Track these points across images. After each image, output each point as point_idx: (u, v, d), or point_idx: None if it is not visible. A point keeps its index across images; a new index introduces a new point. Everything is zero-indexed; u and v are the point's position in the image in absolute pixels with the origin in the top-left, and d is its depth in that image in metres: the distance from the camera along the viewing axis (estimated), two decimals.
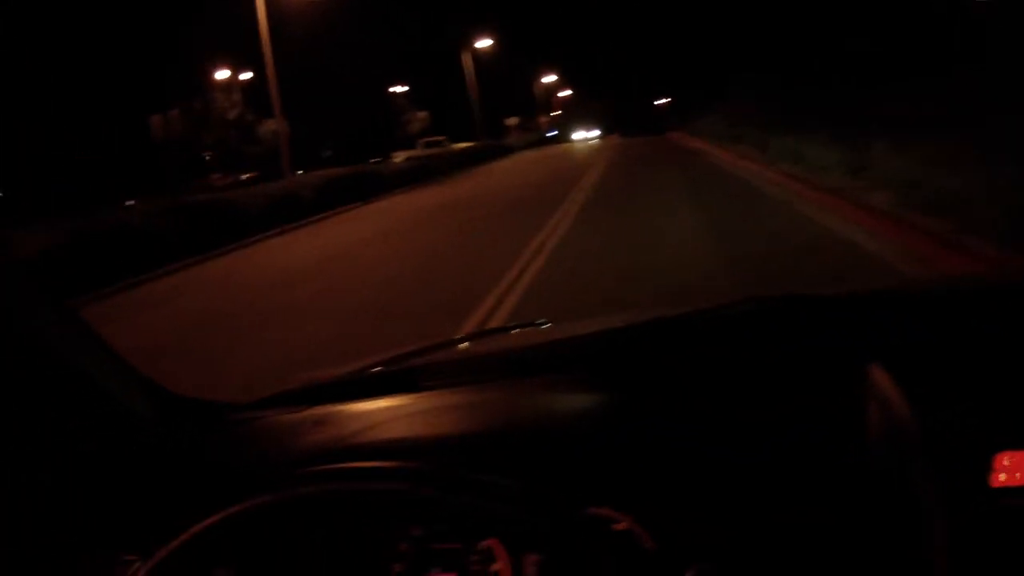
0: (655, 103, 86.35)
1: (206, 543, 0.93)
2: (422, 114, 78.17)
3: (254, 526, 0.95)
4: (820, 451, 1.00)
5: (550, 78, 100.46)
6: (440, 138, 55.49)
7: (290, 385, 1.51)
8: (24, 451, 1.13)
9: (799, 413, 1.07)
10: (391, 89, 78.13)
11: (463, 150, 48.99)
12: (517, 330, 2.04)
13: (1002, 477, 0.87)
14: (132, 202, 28.38)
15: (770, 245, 8.65)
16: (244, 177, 46.33)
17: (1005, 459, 0.88)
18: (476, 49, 66.93)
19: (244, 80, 53.56)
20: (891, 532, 0.89)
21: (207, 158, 51.54)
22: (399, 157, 49.75)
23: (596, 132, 78.89)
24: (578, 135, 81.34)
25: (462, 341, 1.99)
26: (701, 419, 1.12)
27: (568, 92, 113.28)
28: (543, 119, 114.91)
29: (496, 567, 1.01)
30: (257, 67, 52.66)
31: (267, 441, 1.33)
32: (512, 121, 68.63)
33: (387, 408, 1.32)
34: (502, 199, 20.41)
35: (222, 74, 51.05)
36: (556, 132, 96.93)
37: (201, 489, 1.12)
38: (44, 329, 1.12)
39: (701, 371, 1.23)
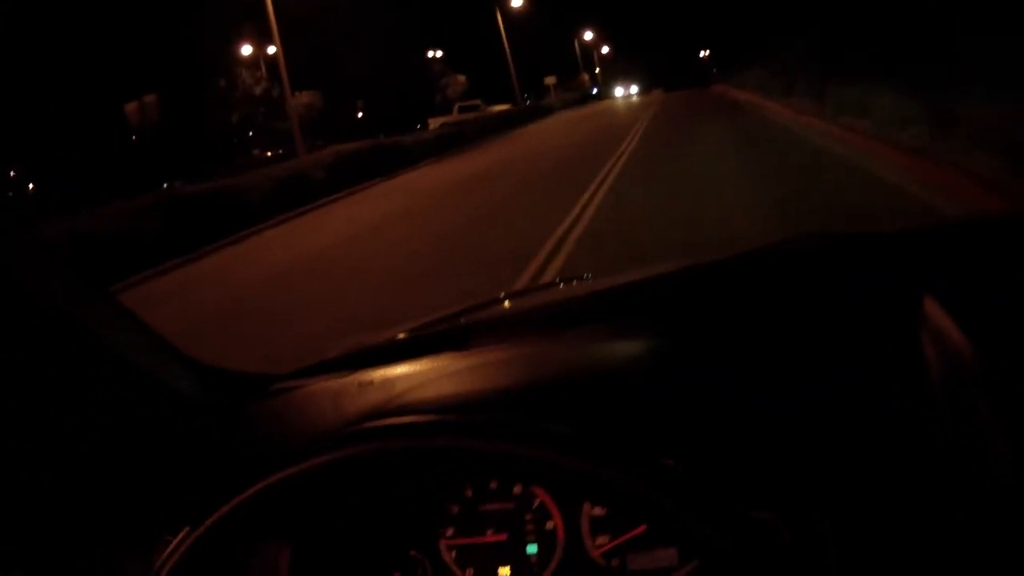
0: (699, 55, 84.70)
1: (250, 515, 0.92)
2: (460, 77, 76.89)
3: (300, 493, 0.93)
4: (875, 390, 0.96)
5: (589, 35, 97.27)
6: (475, 102, 53.64)
7: (332, 352, 1.48)
8: (66, 433, 1.10)
9: (851, 352, 1.02)
10: (428, 54, 77.20)
11: (500, 113, 47.33)
12: (562, 284, 2.09)
13: None
14: (165, 185, 27.26)
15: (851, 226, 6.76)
16: (269, 154, 44.98)
17: None
18: (511, 8, 64.85)
19: (271, 55, 52.34)
20: (952, 468, 0.85)
21: (250, 135, 50.99)
22: (435, 123, 48.65)
23: (635, 88, 77.23)
24: (620, 91, 79.41)
25: (506, 299, 1.94)
26: (751, 363, 1.06)
27: (607, 49, 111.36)
28: (584, 77, 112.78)
29: (550, 524, 1.05)
30: (282, 40, 51.61)
31: (311, 407, 1.29)
32: (550, 80, 65.81)
33: (433, 367, 1.27)
34: (535, 166, 18.89)
35: (247, 50, 49.69)
36: (598, 90, 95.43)
37: (245, 462, 1.09)
38: (78, 310, 1.08)
39: (748, 313, 1.17)
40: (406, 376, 1.27)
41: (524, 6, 67.45)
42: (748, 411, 0.99)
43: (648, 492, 0.82)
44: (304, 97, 54.84)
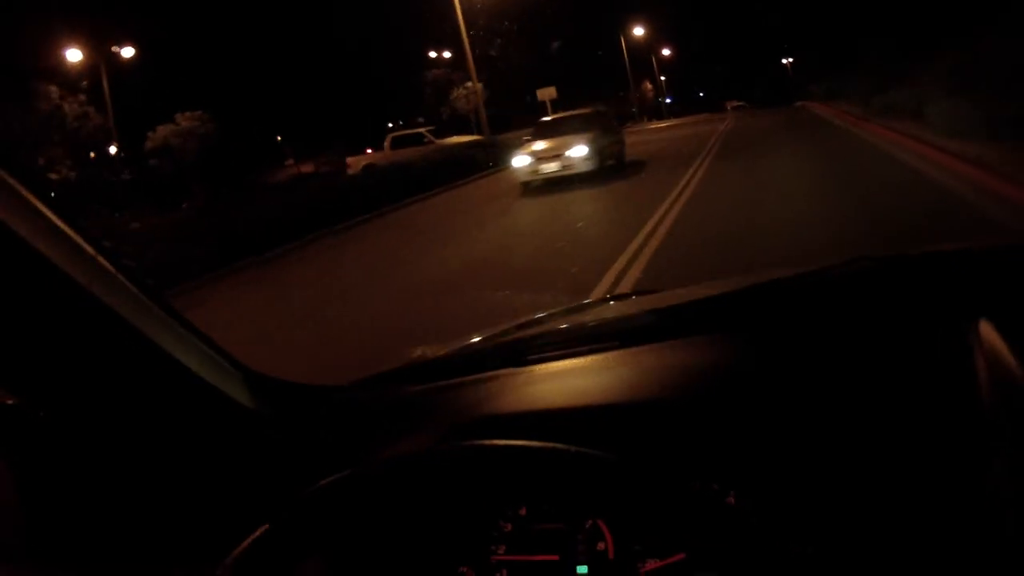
0: (783, 63, 68.13)
1: (298, 528, 0.94)
2: (475, 86, 58.05)
3: (350, 507, 0.96)
4: (928, 412, 0.96)
5: (640, 31, 76.02)
6: (418, 131, 33.76)
7: (394, 363, 1.50)
8: (123, 445, 1.11)
9: (904, 373, 1.04)
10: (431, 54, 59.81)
11: (449, 150, 27.92)
12: (612, 302, 2.16)
13: None
14: None
15: None
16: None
17: None
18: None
19: (127, 58, 33.77)
20: (1001, 494, 0.84)
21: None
22: (357, 164, 31.48)
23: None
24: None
25: (568, 312, 1.95)
26: (811, 387, 1.08)
27: (669, 52, 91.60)
28: (647, 86, 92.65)
29: (601, 546, 1.05)
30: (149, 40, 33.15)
31: (371, 423, 1.31)
32: (546, 94, 42.14)
33: (494, 383, 1.31)
34: None
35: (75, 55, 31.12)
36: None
37: (304, 476, 1.11)
38: (136, 315, 1.04)
39: (809, 336, 1.21)
40: (464, 392, 1.29)
41: None
42: (798, 440, 0.98)
43: (695, 519, 0.82)
44: (185, 120, 36.72)
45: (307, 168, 41.26)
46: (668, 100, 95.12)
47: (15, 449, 1.10)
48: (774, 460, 0.96)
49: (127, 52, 33.99)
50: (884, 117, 18.13)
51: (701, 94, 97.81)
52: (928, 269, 1.36)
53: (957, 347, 0.99)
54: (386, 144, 31.74)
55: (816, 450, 0.95)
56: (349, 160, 32.65)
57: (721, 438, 1.02)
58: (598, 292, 6.96)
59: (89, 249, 1.00)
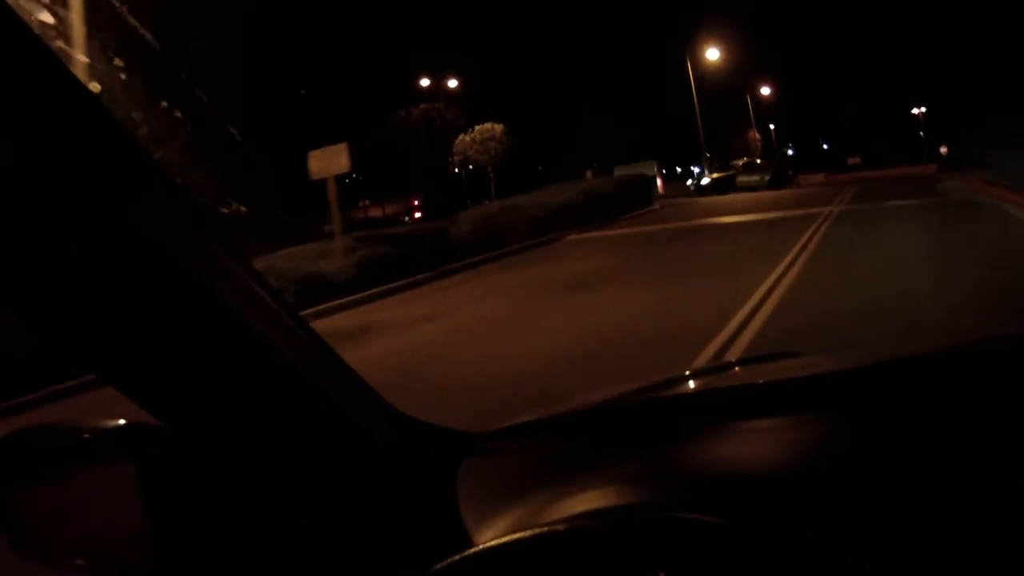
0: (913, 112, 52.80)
1: None
2: (493, 126, 42.97)
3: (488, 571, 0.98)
4: None
5: (714, 54, 58.42)
6: None
7: (532, 415, 1.52)
8: (261, 474, 1.12)
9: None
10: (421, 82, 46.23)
11: None
12: (738, 368, 2.12)
13: None
14: None
15: None
16: None
17: None
18: None
19: None
20: None
21: None
22: None
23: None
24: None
25: (697, 376, 1.98)
26: (942, 463, 1.09)
27: (769, 90, 74.67)
28: (754, 136, 75.19)
29: None
30: None
31: (506, 473, 1.33)
32: (330, 164, 16.26)
33: (625, 443, 1.33)
34: None
35: None
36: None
37: (441, 523, 1.17)
38: (282, 342, 1.07)
39: (940, 414, 1.20)
40: (598, 450, 1.30)
41: None
42: (933, 508, 0.99)
43: None
44: None
45: (375, 213, 43.31)
46: (790, 152, 78.83)
47: (153, 470, 1.07)
48: (906, 535, 0.95)
49: None
50: None
51: (825, 146, 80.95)
52: None
53: None
54: None
55: (942, 527, 0.95)
56: None
57: (859, 513, 1.00)
58: None
59: (247, 278, 1.02)
